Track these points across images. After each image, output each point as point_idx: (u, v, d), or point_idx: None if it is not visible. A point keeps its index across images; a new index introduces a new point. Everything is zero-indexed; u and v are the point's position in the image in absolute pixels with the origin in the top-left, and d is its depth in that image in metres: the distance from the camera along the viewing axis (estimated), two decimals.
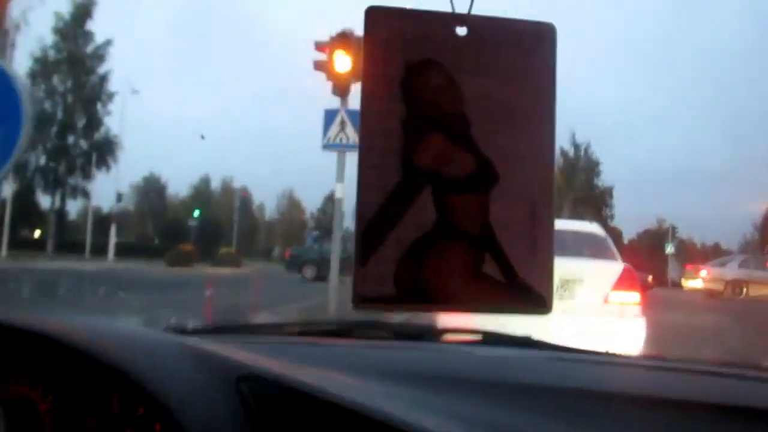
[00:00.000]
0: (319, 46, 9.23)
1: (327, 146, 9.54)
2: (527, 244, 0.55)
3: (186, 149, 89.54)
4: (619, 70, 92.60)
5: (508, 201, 0.54)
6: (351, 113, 9.46)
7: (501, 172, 0.54)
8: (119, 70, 41.90)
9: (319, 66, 9.25)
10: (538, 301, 0.56)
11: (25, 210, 35.21)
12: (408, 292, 0.52)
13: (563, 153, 52.21)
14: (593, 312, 5.42)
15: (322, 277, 16.70)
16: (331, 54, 9.04)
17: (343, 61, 8.96)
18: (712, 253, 41.81)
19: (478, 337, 1.44)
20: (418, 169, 0.53)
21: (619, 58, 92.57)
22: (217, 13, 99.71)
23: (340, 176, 9.52)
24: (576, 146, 52.18)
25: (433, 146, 0.53)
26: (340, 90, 9.26)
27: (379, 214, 0.52)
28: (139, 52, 76.55)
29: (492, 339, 1.41)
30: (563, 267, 5.33)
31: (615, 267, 5.83)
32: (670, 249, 34.30)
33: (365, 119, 0.53)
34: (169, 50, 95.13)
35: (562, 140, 52.59)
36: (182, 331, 1.41)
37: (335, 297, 9.36)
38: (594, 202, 48.47)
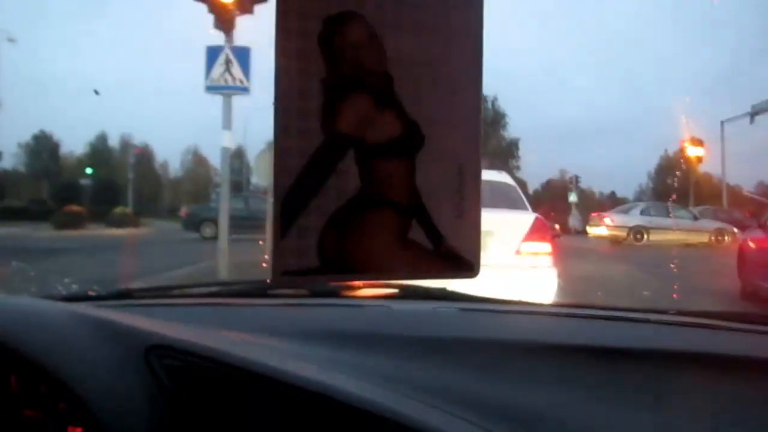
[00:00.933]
0: None
1: (211, 88, 8.41)
2: (454, 209, 0.54)
3: (79, 106, 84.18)
4: (523, 24, 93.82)
5: (435, 165, 0.53)
6: (237, 51, 8.35)
7: (427, 136, 0.52)
8: None
9: None
10: (465, 266, 0.55)
11: None
12: (331, 263, 0.51)
13: None
14: (505, 264, 5.23)
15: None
16: None
17: None
18: (609, 202, 43.62)
19: (394, 291, 1.44)
20: (340, 132, 0.50)
21: (523, 12, 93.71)
22: None
23: (226, 122, 8.44)
24: (483, 98, 52.65)
25: (356, 108, 0.51)
26: (224, 23, 8.11)
27: (298, 182, 0.49)
28: None
29: (408, 293, 1.43)
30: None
31: (526, 217, 5.69)
32: (573, 198, 35.06)
33: (280, 78, 0.49)
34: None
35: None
36: (80, 298, 1.35)
37: (225, 260, 8.42)
38: (501, 154, 49.22)
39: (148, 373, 0.79)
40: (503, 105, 52.77)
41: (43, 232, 23.01)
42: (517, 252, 5.41)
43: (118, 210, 30.91)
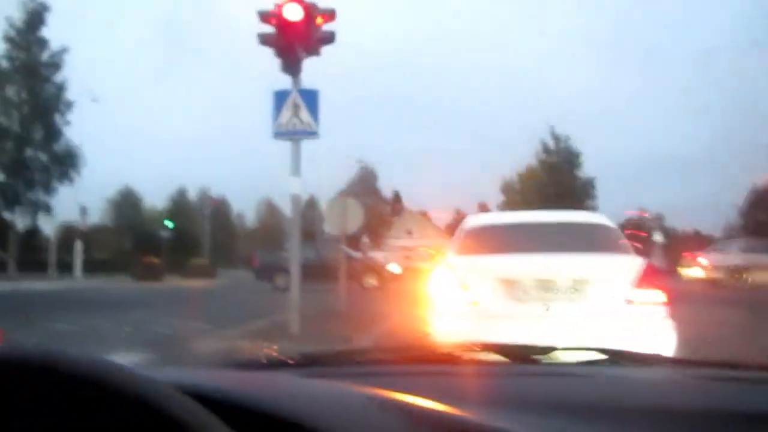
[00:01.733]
0: (264, 16, 7.79)
1: (279, 134, 8.09)
2: None
3: (161, 160, 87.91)
4: (594, 60, 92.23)
5: None
6: (305, 94, 8.04)
7: None
8: (77, 78, 40.24)
9: (265, 40, 7.81)
10: None
11: None
12: None
13: (544, 147, 51.57)
14: (614, 315, 4.63)
15: None
16: (279, 22, 7.62)
17: (294, 29, 7.55)
18: (694, 240, 41.24)
19: (600, 356, 1.39)
20: None
21: (593, 49, 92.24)
22: (183, 15, 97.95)
23: (295, 169, 8.07)
24: (556, 138, 51.46)
25: None
26: (291, 66, 7.83)
27: None
28: (97, 58, 74.61)
29: (614, 357, 1.38)
30: (572, 264, 4.85)
31: (634, 262, 4.97)
32: (657, 237, 33.21)
33: None
34: (131, 56, 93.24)
35: (542, 132, 52.04)
36: (270, 365, 1.34)
37: (296, 313, 7.93)
38: (576, 193, 47.60)
39: None
40: (577, 144, 51.24)
41: (123, 284, 23.46)
42: (627, 301, 4.71)
43: (195, 261, 31.34)
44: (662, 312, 4.72)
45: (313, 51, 7.92)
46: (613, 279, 4.81)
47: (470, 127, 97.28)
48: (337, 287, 12.05)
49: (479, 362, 1.39)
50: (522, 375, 1.29)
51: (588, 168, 51.50)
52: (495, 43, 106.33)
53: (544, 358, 1.40)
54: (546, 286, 4.80)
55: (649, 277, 4.84)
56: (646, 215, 45.40)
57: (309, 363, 1.40)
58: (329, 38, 7.93)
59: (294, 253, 8.33)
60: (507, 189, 56.57)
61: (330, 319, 9.88)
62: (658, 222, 34.60)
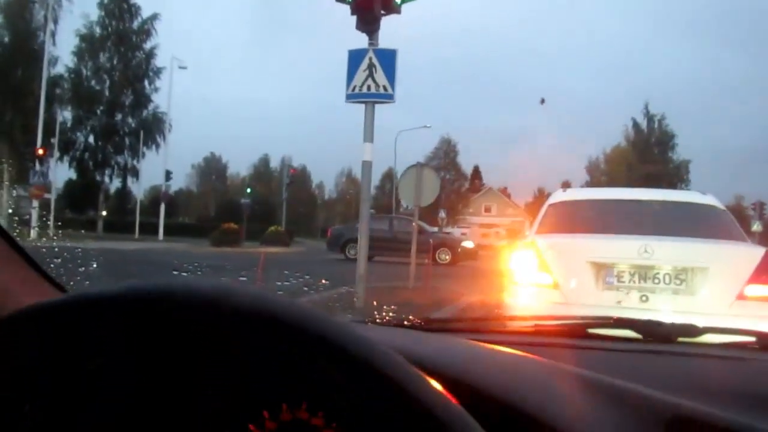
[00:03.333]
0: None
1: (351, 96, 7.62)
2: None
3: (246, 129, 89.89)
4: (700, 39, 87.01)
5: None
6: (381, 54, 7.51)
7: None
8: (167, 45, 41.26)
9: None
10: None
11: (84, 191, 35.04)
12: None
13: (635, 125, 49.27)
14: (722, 312, 3.95)
15: (369, 256, 14.93)
16: None
17: None
18: None
19: (749, 339, 1.28)
20: None
21: (702, 27, 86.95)
22: None
23: (368, 134, 7.58)
24: (649, 118, 48.97)
25: None
26: (367, 23, 7.31)
27: None
28: (185, 26, 76.50)
29: (765, 342, 1.26)
30: (676, 251, 4.21)
31: (751, 251, 4.29)
32: (757, 227, 30.90)
33: None
34: (218, 24, 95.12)
35: (634, 111, 49.68)
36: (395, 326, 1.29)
37: (362, 286, 7.52)
38: (668, 177, 45.24)
39: None
40: (672, 124, 48.57)
41: (202, 249, 23.93)
42: (740, 296, 4.02)
43: (272, 229, 31.73)
44: None
45: (393, 8, 7.36)
46: (726, 270, 4.14)
47: (557, 103, 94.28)
48: (409, 261, 11.60)
49: (615, 338, 1.27)
50: (660, 354, 1.16)
51: (682, 151, 48.90)
52: (590, 17, 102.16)
53: (684, 339, 1.27)
54: (644, 273, 4.16)
55: None
56: (744, 204, 42.70)
57: (443, 329, 1.35)
58: None
59: (363, 222, 7.89)
60: (592, 169, 54.61)
61: (397, 294, 9.47)
62: (759, 210, 32.12)
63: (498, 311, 4.40)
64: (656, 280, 4.14)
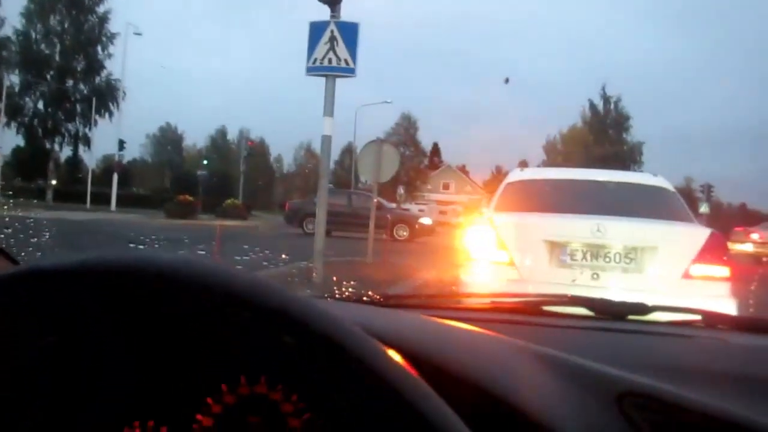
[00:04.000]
0: None
1: (312, 69, 7.52)
2: None
3: (203, 100, 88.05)
4: (657, 24, 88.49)
5: None
6: (343, 27, 7.42)
7: None
8: (121, 10, 39.95)
9: None
10: None
11: (33, 158, 33.86)
12: None
13: (592, 106, 50.05)
14: (668, 290, 4.09)
15: (327, 231, 14.87)
16: None
17: None
18: (739, 214, 39.91)
19: (695, 317, 1.33)
20: None
21: (660, 11, 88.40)
22: None
23: (328, 108, 7.52)
24: (606, 99, 49.79)
25: None
26: None
27: None
28: None
29: (710, 320, 1.32)
30: (627, 230, 4.34)
31: (697, 232, 4.44)
32: (704, 209, 31.85)
33: None
34: None
35: (591, 93, 50.43)
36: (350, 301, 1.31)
37: (320, 260, 7.51)
38: (622, 158, 46.21)
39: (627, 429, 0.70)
40: (628, 106, 49.51)
41: (156, 220, 23.51)
42: (686, 275, 4.16)
43: (229, 202, 31.36)
44: (725, 290, 4.15)
45: None
46: (673, 250, 4.26)
47: (516, 82, 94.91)
48: (367, 236, 11.63)
49: (569, 316, 1.31)
50: (612, 331, 1.20)
51: (636, 133, 49.94)
52: None
53: (635, 316, 1.31)
54: (596, 252, 4.26)
55: (713, 250, 4.26)
56: (693, 186, 43.89)
57: (401, 305, 1.35)
58: None
59: (321, 197, 7.86)
60: (549, 149, 55.32)
61: (355, 269, 9.50)
62: (707, 193, 33.12)
63: (454, 287, 4.47)
64: (607, 259, 4.25)
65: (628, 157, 47.96)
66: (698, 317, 1.33)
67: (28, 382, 0.59)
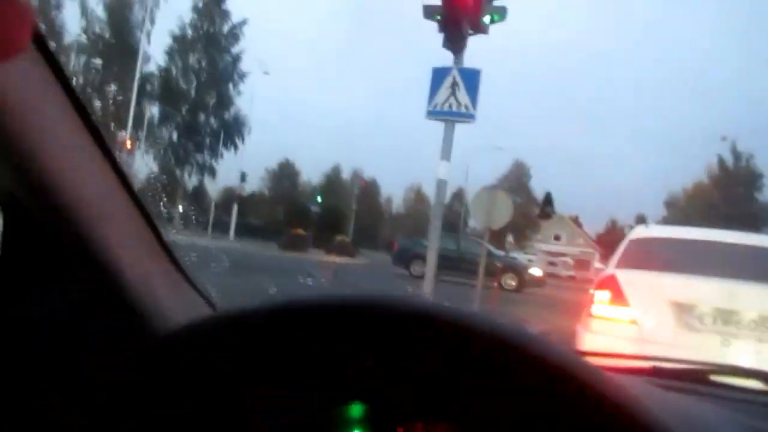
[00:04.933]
0: None
1: (432, 113, 7.63)
2: None
3: (322, 137, 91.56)
4: None
5: None
6: (465, 73, 7.51)
7: None
8: (252, 50, 42.48)
9: (429, 12, 7.35)
10: None
11: (164, 186, 36.39)
12: None
13: (720, 163, 47.37)
14: None
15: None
16: None
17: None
18: None
19: None
20: None
21: None
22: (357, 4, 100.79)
23: (446, 152, 7.56)
24: (737, 156, 47.00)
25: None
26: (454, 42, 7.32)
27: None
28: (271, 32, 78.65)
29: None
30: (764, 297, 4.08)
31: None
32: None
33: None
34: (303, 32, 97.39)
35: (720, 148, 47.78)
36: None
37: None
38: (752, 219, 43.18)
39: None
40: (760, 165, 46.46)
41: (270, 250, 24.44)
42: None
43: (339, 238, 32.08)
44: None
45: (481, 28, 7.36)
46: None
47: (636, 133, 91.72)
48: (474, 283, 11.48)
49: (740, 389, 1.19)
50: None
51: None
52: (674, 41, 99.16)
53: None
54: (728, 317, 3.98)
55: None
56: None
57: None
58: (500, 14, 7.34)
59: (432, 241, 7.87)
60: (671, 205, 52.72)
61: None
62: None
63: (573, 344, 4.29)
64: (740, 326, 3.96)
65: (759, 219, 44.80)
66: None
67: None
